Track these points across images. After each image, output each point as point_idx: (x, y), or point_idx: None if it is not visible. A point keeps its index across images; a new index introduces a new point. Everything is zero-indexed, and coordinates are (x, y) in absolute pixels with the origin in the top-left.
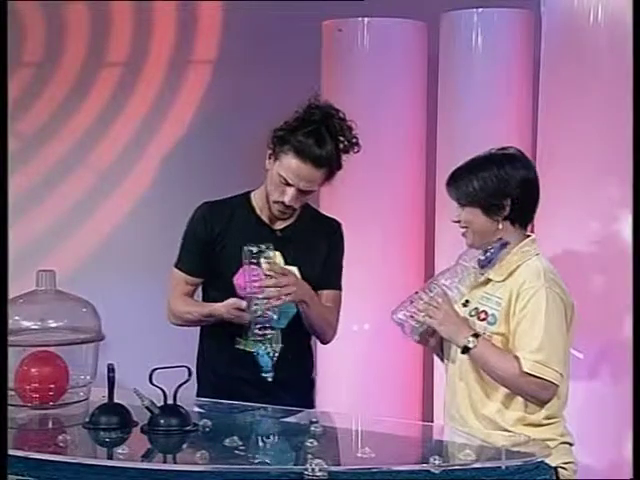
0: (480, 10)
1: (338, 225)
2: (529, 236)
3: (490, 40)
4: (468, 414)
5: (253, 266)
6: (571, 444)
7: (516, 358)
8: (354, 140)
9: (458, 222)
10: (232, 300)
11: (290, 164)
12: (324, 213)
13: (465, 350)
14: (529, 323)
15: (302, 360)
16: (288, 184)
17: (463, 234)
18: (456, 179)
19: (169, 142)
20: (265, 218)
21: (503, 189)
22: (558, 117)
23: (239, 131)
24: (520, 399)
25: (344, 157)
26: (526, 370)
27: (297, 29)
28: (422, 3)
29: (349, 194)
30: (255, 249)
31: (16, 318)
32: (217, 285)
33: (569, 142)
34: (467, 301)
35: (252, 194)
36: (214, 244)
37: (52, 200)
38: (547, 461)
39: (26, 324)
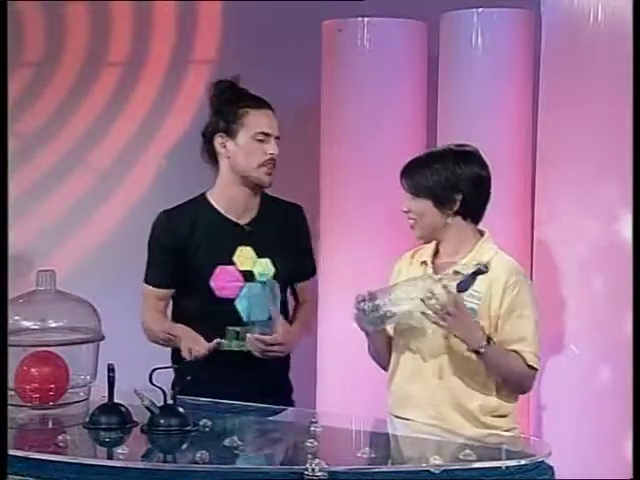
0: (480, 10)
1: (300, 209)
2: (482, 231)
3: (490, 40)
4: (448, 411)
5: (228, 266)
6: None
7: (517, 353)
8: None
9: (407, 212)
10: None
11: (258, 117)
12: (282, 198)
13: (476, 353)
14: (520, 316)
15: (280, 363)
16: (267, 136)
17: (411, 226)
18: (411, 170)
19: (169, 142)
20: (230, 215)
21: (456, 183)
22: (558, 117)
23: None
24: (494, 390)
25: (344, 156)
26: (529, 363)
27: (297, 29)
28: (422, 3)
29: (349, 194)
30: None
31: (16, 318)
32: (189, 292)
33: (569, 142)
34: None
35: (208, 195)
36: (182, 250)
37: (52, 200)
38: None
39: (26, 324)
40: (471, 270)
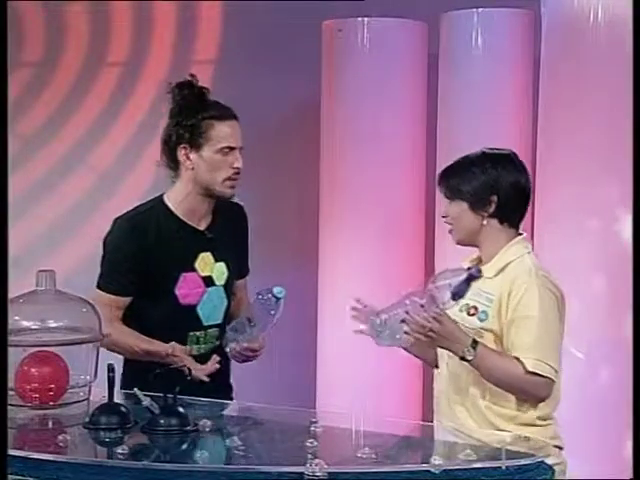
0: (480, 10)
1: (242, 208)
2: (520, 234)
3: (490, 40)
4: (466, 418)
5: (191, 273)
6: (561, 447)
7: (516, 358)
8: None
9: (445, 218)
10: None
11: (224, 129)
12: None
13: (464, 360)
14: (524, 320)
15: (227, 366)
16: (232, 149)
17: (450, 231)
18: (448, 174)
19: None
20: (191, 222)
21: (491, 185)
22: (558, 117)
23: None
24: (512, 396)
25: (344, 156)
26: (530, 369)
27: (297, 29)
28: (422, 3)
29: (349, 195)
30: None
31: (16, 318)
32: (151, 299)
33: (569, 142)
34: None
35: (165, 200)
36: (146, 258)
37: (52, 200)
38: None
39: (26, 324)
40: (463, 276)
